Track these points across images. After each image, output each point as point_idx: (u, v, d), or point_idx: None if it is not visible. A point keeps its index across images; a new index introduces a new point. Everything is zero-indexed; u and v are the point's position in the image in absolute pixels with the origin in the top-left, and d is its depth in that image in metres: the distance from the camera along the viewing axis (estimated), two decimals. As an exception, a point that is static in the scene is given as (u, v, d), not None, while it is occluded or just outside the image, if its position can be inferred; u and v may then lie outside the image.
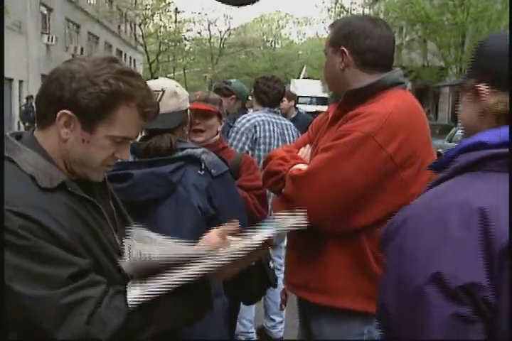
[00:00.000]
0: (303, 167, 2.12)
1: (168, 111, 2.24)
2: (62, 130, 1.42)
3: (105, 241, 1.48)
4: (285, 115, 6.04)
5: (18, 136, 1.50)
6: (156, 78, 2.62)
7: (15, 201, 1.31)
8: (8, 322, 1.31)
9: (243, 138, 3.96)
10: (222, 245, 1.45)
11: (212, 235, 1.56)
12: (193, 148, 2.30)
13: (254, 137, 3.97)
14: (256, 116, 4.09)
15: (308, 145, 2.35)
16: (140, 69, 49.02)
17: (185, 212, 2.21)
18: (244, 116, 4.16)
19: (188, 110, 2.40)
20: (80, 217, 1.42)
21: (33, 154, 1.43)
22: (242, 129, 3.98)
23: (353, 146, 1.97)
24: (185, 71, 50.56)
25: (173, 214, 2.20)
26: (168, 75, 47.86)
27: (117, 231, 1.58)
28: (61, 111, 1.40)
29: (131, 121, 1.45)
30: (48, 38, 26.83)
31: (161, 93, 2.27)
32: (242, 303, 3.21)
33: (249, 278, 2.87)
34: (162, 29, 44.33)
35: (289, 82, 30.60)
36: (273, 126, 4.07)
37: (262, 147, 3.99)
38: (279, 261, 4.35)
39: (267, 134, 4.01)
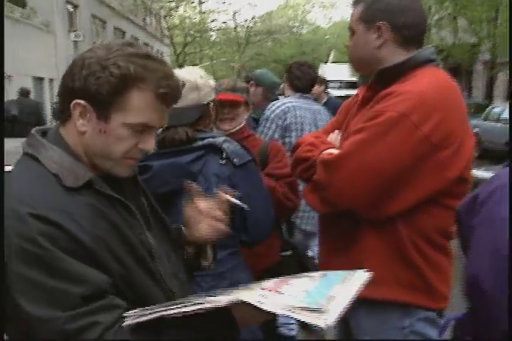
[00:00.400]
0: (334, 151, 2.05)
1: (186, 105, 2.19)
2: (79, 121, 1.36)
3: (135, 243, 1.40)
4: (316, 100, 5.94)
5: (44, 133, 1.44)
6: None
7: (36, 203, 1.26)
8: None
9: (273, 126, 3.88)
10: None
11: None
12: (214, 137, 2.24)
13: (284, 124, 3.88)
14: (287, 102, 4.00)
15: (337, 131, 2.28)
16: (167, 61, 48.70)
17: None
18: (274, 102, 4.07)
19: (212, 102, 2.33)
20: (107, 217, 1.35)
21: (58, 151, 1.37)
22: (272, 116, 3.89)
23: (386, 127, 1.90)
24: (213, 61, 50.46)
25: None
26: (195, 66, 47.81)
27: (151, 230, 1.50)
28: (74, 101, 1.33)
29: (146, 106, 1.35)
30: (75, 35, 27.04)
31: (181, 85, 2.18)
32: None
33: (287, 267, 2.92)
34: (187, 20, 44.28)
35: (318, 67, 30.33)
36: (304, 111, 3.98)
37: (293, 134, 3.88)
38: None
39: (299, 120, 3.92)
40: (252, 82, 4.59)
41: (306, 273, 1.42)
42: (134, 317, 1.19)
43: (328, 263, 2.19)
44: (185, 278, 1.62)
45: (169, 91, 1.37)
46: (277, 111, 3.92)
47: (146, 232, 1.47)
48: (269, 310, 1.11)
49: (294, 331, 4.26)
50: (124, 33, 36.90)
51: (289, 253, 3.00)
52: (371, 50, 2.09)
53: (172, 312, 1.16)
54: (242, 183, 2.21)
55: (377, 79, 2.05)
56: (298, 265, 2.98)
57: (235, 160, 2.19)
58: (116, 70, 1.31)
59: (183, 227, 1.69)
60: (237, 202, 1.51)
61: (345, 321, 2.20)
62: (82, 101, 1.33)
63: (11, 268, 1.21)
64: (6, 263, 1.21)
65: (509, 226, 1.23)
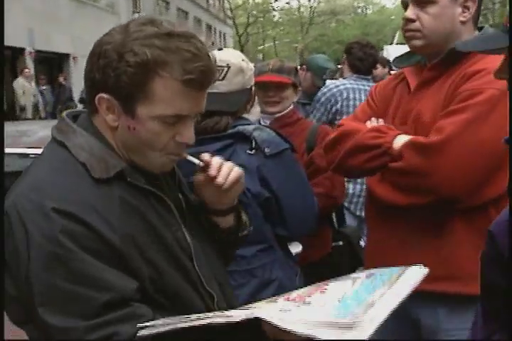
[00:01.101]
0: (407, 137, 1.91)
1: (233, 89, 2.07)
2: (108, 117, 1.24)
3: (171, 242, 1.28)
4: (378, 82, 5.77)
5: (76, 117, 1.32)
6: (243, 50, 2.43)
7: (61, 196, 1.15)
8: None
9: (321, 109, 3.81)
10: None
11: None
12: (245, 124, 2.09)
13: (334, 108, 3.78)
14: (340, 84, 3.89)
15: (375, 119, 2.11)
16: (230, 42, 49.25)
17: None
18: (328, 84, 3.97)
19: (253, 86, 2.19)
20: (140, 213, 1.23)
21: (90, 138, 1.25)
22: (323, 99, 3.82)
23: (491, 105, 1.79)
24: (276, 42, 50.20)
25: None
26: (258, 47, 47.83)
27: (188, 228, 1.37)
28: (98, 95, 1.21)
29: (172, 95, 1.20)
30: (138, 15, 27.29)
31: (226, 69, 2.07)
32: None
33: (339, 258, 2.80)
34: (250, 0, 44.14)
35: (382, 49, 29.66)
36: (359, 94, 3.84)
37: (344, 116, 3.61)
38: None
39: (351, 103, 3.80)
40: (304, 66, 4.53)
41: (351, 275, 1.32)
42: (150, 328, 1.10)
43: (402, 260, 2.00)
44: (225, 280, 1.50)
45: (197, 75, 1.20)
46: (328, 94, 3.81)
47: (183, 229, 1.34)
48: (287, 328, 0.99)
49: None
50: (187, 13, 37.05)
51: (340, 243, 2.87)
52: (456, 25, 1.97)
53: (186, 325, 1.06)
54: (276, 174, 2.06)
55: (447, 57, 1.94)
56: (351, 255, 2.86)
57: (266, 149, 2.03)
58: (132, 58, 1.16)
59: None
60: (193, 159, 1.36)
61: (409, 322, 2.04)
62: (106, 95, 1.21)
63: (30, 269, 1.12)
64: (25, 263, 1.13)
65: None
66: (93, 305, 1.12)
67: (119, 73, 1.17)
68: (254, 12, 43.45)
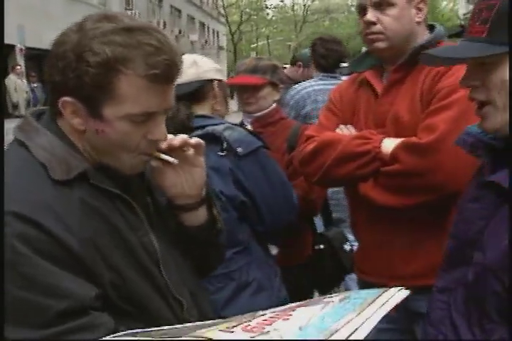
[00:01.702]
0: (395, 140, 1.93)
1: (187, 80, 2.05)
2: (74, 120, 1.19)
3: (136, 246, 1.23)
4: None
5: (40, 115, 1.27)
6: (236, 48, 2.39)
7: (17, 198, 1.10)
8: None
9: (292, 113, 3.63)
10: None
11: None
12: (215, 124, 2.05)
13: (304, 112, 3.62)
14: (308, 86, 3.73)
15: (342, 126, 2.14)
16: (223, 40, 49.24)
17: None
18: (295, 86, 3.78)
19: (217, 83, 2.17)
20: (102, 216, 1.18)
21: (52, 138, 1.20)
22: (292, 102, 3.67)
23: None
24: (269, 40, 50.25)
25: None
26: (251, 45, 47.85)
27: (155, 232, 1.32)
28: (61, 99, 1.16)
29: (138, 92, 1.15)
30: (131, 13, 27.19)
31: None
32: (317, 292, 2.97)
33: (319, 259, 2.76)
34: (243, -2, 44.17)
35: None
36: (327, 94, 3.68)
37: (314, 121, 3.52)
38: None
39: (320, 106, 3.55)
40: (299, 63, 4.43)
41: (325, 298, 1.25)
42: None
43: (409, 262, 2.04)
44: (197, 287, 1.45)
45: (162, 69, 1.15)
46: (297, 96, 3.64)
47: (150, 234, 1.29)
48: None
49: None
50: (180, 11, 37.01)
51: (322, 246, 2.83)
52: (414, 25, 2.04)
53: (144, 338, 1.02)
54: (250, 174, 2.04)
55: (411, 58, 1.98)
56: (333, 259, 2.81)
57: (238, 149, 2.00)
58: (92, 58, 1.11)
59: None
60: (167, 157, 1.29)
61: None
62: (69, 99, 1.15)
63: None
64: None
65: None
66: (48, 314, 1.05)
67: (80, 74, 1.12)
68: (248, 10, 43.50)
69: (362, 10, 2.07)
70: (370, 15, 2.01)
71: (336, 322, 1.03)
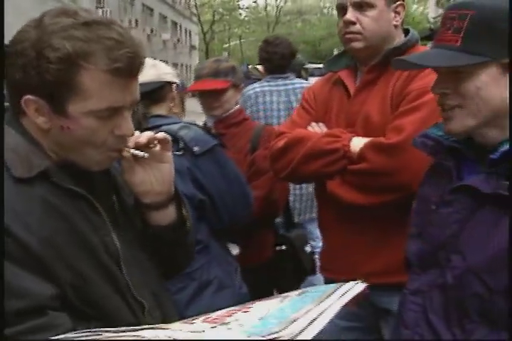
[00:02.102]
0: (364, 140, 1.96)
1: (146, 80, 2.03)
2: (38, 119, 1.16)
3: (97, 246, 1.22)
4: None
5: (1, 113, 1.27)
6: (208, 48, 2.40)
7: None
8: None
9: None
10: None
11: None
12: (171, 123, 2.06)
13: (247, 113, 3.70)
14: (251, 88, 3.82)
15: (314, 124, 2.17)
16: (196, 39, 49.18)
17: None
18: (247, 89, 3.84)
19: (175, 86, 2.21)
20: (63, 215, 1.17)
21: (15, 136, 1.19)
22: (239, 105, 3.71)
23: None
24: (241, 40, 50.36)
25: None
26: (223, 45, 47.87)
27: (119, 232, 1.30)
28: (24, 98, 1.14)
29: (101, 87, 1.13)
30: (103, 11, 26.99)
31: None
32: (277, 293, 2.97)
33: (280, 260, 2.80)
34: (217, -2, 44.22)
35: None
36: (271, 96, 3.74)
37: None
38: (312, 243, 4.14)
39: (260, 107, 3.71)
40: None
41: (284, 294, 1.27)
42: None
43: (371, 260, 2.07)
44: (160, 288, 1.43)
45: (124, 62, 1.13)
46: (241, 100, 3.67)
47: (112, 234, 1.27)
48: None
49: None
50: (152, 10, 36.83)
51: (283, 247, 2.86)
52: (392, 28, 2.09)
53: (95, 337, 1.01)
54: (207, 172, 2.07)
55: (384, 59, 2.02)
56: (293, 261, 2.86)
57: (195, 148, 2.02)
58: (52, 54, 1.09)
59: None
60: (138, 152, 1.29)
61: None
62: (32, 97, 1.13)
63: None
64: None
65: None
66: (7, 313, 1.04)
67: (41, 71, 1.10)
68: (220, 10, 43.54)
69: (342, 9, 2.09)
70: (350, 15, 2.04)
71: (295, 312, 1.04)
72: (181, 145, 2.02)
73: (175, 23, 42.67)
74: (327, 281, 2.35)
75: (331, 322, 1.80)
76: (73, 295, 1.15)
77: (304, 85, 3.87)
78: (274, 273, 2.72)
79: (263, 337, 0.94)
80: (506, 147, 1.32)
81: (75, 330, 1.06)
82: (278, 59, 3.80)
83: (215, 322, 1.07)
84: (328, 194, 2.06)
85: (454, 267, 1.38)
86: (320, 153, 2.02)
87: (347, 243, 2.12)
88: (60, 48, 1.09)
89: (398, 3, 2.08)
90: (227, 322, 1.06)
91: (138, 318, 1.28)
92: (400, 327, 1.51)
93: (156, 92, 2.12)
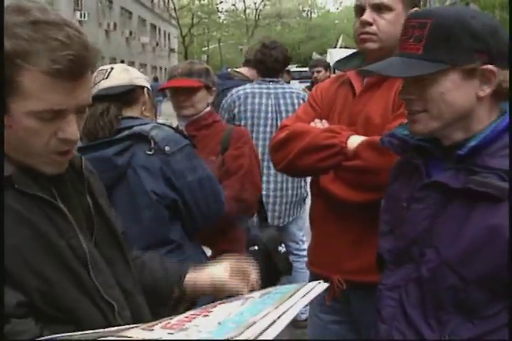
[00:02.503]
0: (361, 137, 2.00)
1: (118, 83, 2.14)
2: None
3: (64, 249, 1.22)
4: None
5: None
6: (187, 51, 2.44)
7: None
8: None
9: (226, 116, 3.81)
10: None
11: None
12: (142, 124, 2.11)
13: (232, 113, 3.82)
14: (240, 89, 3.88)
15: (317, 120, 2.21)
16: (175, 42, 49.16)
17: (139, 198, 2.08)
18: (232, 90, 3.95)
19: (147, 90, 2.26)
20: (29, 222, 1.17)
21: None
22: (225, 106, 3.85)
23: None
24: (220, 44, 50.45)
25: (127, 201, 2.07)
26: (202, 49, 47.87)
27: (89, 233, 1.31)
28: None
29: (42, 88, 1.11)
30: (81, 14, 26.87)
31: (109, 70, 2.19)
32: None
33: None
34: (195, 1, 44.21)
35: (326, 52, 30.33)
36: (260, 98, 3.82)
37: (242, 122, 3.77)
38: (294, 245, 4.26)
39: (249, 108, 3.79)
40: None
41: (247, 294, 1.34)
42: None
43: (350, 255, 2.11)
44: (133, 288, 1.44)
45: (65, 64, 1.10)
46: (229, 99, 3.82)
47: (79, 236, 1.27)
48: None
49: None
50: (130, 13, 36.75)
51: (256, 248, 2.89)
52: None
53: None
54: (178, 172, 2.11)
55: None
56: (266, 261, 2.84)
57: (166, 148, 2.07)
58: None
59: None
60: None
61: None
62: None
63: None
64: None
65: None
66: None
67: None
68: (199, 13, 43.55)
69: (360, 10, 2.13)
70: (368, 15, 2.07)
71: (254, 316, 1.06)
72: (152, 145, 2.06)
73: (154, 26, 42.62)
74: (313, 276, 2.38)
75: (315, 316, 1.86)
76: (40, 300, 1.16)
77: (294, 91, 4.00)
78: None
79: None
80: (473, 143, 1.37)
81: (41, 336, 1.09)
82: (272, 62, 3.88)
83: (174, 328, 1.08)
84: (320, 188, 2.11)
85: (428, 261, 1.42)
86: (317, 147, 2.06)
87: (334, 239, 2.16)
88: (5, 45, 1.08)
89: (415, 8, 2.08)
90: (186, 328, 1.07)
91: (108, 320, 1.29)
92: (377, 322, 1.55)
93: (128, 95, 2.17)
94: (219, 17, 48.72)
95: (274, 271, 2.78)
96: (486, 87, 1.38)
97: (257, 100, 3.81)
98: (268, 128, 3.81)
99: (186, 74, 2.71)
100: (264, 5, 52.91)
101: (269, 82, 3.90)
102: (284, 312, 1.09)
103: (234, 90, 3.89)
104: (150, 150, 2.07)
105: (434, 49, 1.38)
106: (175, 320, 1.15)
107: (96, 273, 1.29)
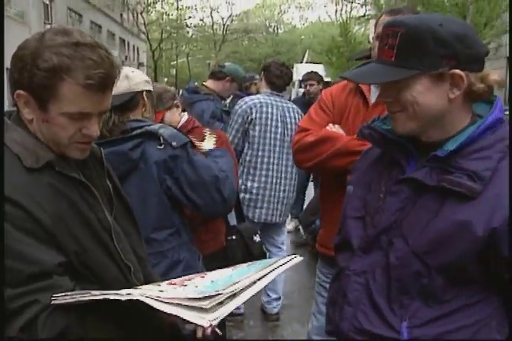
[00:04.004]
0: None
1: (119, 92, 2.28)
2: (24, 110, 1.39)
3: (94, 221, 1.44)
4: (314, 98, 6.18)
5: (10, 114, 1.47)
6: (156, 65, 2.54)
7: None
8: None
9: (239, 120, 4.15)
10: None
11: None
12: (150, 125, 2.32)
13: (249, 118, 4.14)
14: (255, 98, 4.25)
15: (331, 125, 2.44)
16: (144, 57, 48.77)
17: (148, 186, 2.25)
18: (244, 99, 4.30)
19: (145, 93, 2.41)
20: (67, 197, 1.38)
21: (22, 133, 1.40)
22: (239, 111, 4.17)
23: None
24: (189, 58, 50.34)
25: (138, 189, 2.24)
26: (171, 63, 47.81)
27: (111, 209, 1.55)
28: (16, 92, 1.36)
29: (76, 96, 1.34)
30: (51, 27, 26.69)
31: None
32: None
33: (232, 252, 3.09)
34: (164, 16, 44.13)
35: (292, 67, 30.52)
36: (272, 108, 4.21)
37: (257, 127, 4.15)
38: (279, 239, 4.55)
39: (263, 115, 4.16)
40: (228, 77, 4.74)
41: (236, 265, 1.47)
42: (59, 299, 1.25)
43: None
44: (144, 255, 1.70)
45: (97, 80, 1.34)
46: (244, 106, 4.17)
47: (104, 211, 1.49)
48: (150, 304, 1.13)
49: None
50: (100, 27, 36.37)
51: (234, 237, 3.16)
52: None
53: (86, 298, 1.21)
54: (179, 163, 2.28)
55: None
56: (242, 248, 3.14)
57: (173, 143, 2.26)
58: (42, 64, 1.30)
59: None
60: None
61: None
62: (22, 92, 1.35)
63: None
64: None
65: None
66: (19, 276, 1.24)
67: (32, 75, 1.31)
68: (168, 28, 43.46)
69: (376, 24, 2.28)
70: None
71: (241, 276, 1.25)
72: (162, 140, 2.26)
73: (123, 41, 42.18)
74: (322, 256, 2.69)
75: (323, 315, 1.88)
76: (76, 261, 1.35)
77: (294, 106, 4.39)
78: (226, 260, 2.95)
79: (206, 294, 1.12)
80: (451, 148, 1.45)
81: (73, 291, 1.27)
82: (287, 79, 4.35)
83: (176, 284, 1.26)
84: (333, 177, 2.35)
85: (396, 249, 1.50)
86: (350, 152, 2.26)
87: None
88: (48, 61, 1.30)
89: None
90: (186, 285, 1.25)
91: (127, 279, 1.51)
92: (344, 305, 1.61)
93: (129, 103, 2.35)
94: (187, 32, 48.60)
95: (249, 258, 2.88)
96: (456, 89, 1.43)
97: (269, 110, 4.20)
98: (273, 135, 4.19)
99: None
100: (232, 20, 52.78)
101: (276, 96, 4.31)
102: (264, 275, 1.27)
103: (248, 98, 4.26)
104: (161, 145, 2.26)
105: (405, 56, 1.41)
106: (178, 279, 1.32)
107: (118, 241, 1.50)
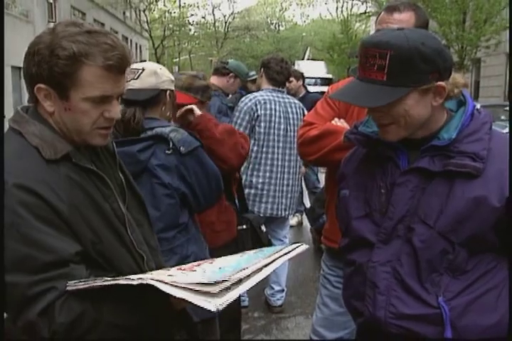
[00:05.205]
0: None
1: (145, 87, 2.34)
2: (45, 103, 1.42)
3: (108, 211, 1.47)
4: (294, 95, 6.25)
5: (27, 109, 1.50)
6: (159, 62, 2.68)
7: (19, 174, 1.31)
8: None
9: (246, 117, 4.19)
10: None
11: None
12: (163, 126, 2.35)
13: (255, 115, 4.20)
14: (258, 95, 4.30)
15: (337, 119, 2.49)
16: (146, 54, 48.85)
17: (158, 189, 2.30)
18: (247, 95, 4.35)
19: (169, 92, 2.44)
20: (83, 188, 1.41)
21: (40, 126, 1.42)
22: (245, 108, 4.21)
23: None
24: (191, 55, 50.38)
25: (148, 190, 2.26)
26: (173, 60, 47.85)
27: (125, 200, 1.58)
28: (36, 86, 1.40)
29: (97, 79, 1.39)
30: (59, 22, 26.73)
31: (140, 71, 2.36)
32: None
33: (243, 241, 3.18)
34: (167, 14, 44.14)
35: (294, 64, 30.62)
36: (275, 104, 4.27)
37: (262, 124, 4.22)
38: (282, 232, 4.66)
39: (268, 112, 4.22)
40: (232, 74, 4.89)
41: (245, 252, 1.49)
42: (72, 285, 1.27)
43: None
44: (155, 245, 1.72)
45: (115, 61, 1.39)
46: (249, 103, 4.22)
47: (118, 201, 1.51)
48: (160, 288, 1.15)
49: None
50: (103, 25, 36.42)
51: (245, 227, 3.21)
52: None
53: (98, 284, 1.24)
54: (191, 170, 2.33)
55: None
56: (253, 236, 3.22)
57: (181, 148, 2.28)
58: (62, 52, 1.34)
59: None
60: None
61: None
62: (42, 85, 1.38)
63: None
64: None
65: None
66: (37, 264, 1.26)
67: (52, 65, 1.35)
68: (171, 25, 43.48)
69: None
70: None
71: (249, 263, 1.27)
72: (171, 145, 2.29)
73: (126, 38, 42.06)
74: (328, 249, 2.73)
75: (327, 307, 2.26)
76: (92, 250, 1.38)
77: (296, 102, 4.46)
78: (237, 248, 2.91)
79: (214, 281, 1.14)
80: (453, 136, 1.57)
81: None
82: (287, 74, 4.40)
83: (185, 269, 1.28)
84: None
85: (419, 233, 1.58)
86: (351, 146, 2.20)
87: None
88: (67, 48, 1.34)
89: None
90: (195, 270, 1.27)
91: (141, 268, 1.53)
92: (376, 294, 1.65)
93: (152, 99, 2.38)
94: (190, 29, 48.62)
95: (258, 245, 2.98)
96: (439, 98, 1.57)
97: (273, 106, 4.26)
98: (276, 131, 4.26)
99: (186, 88, 2.90)
100: (234, 18, 52.80)
101: (278, 92, 4.35)
102: (270, 262, 1.29)
103: (251, 96, 4.29)
104: (169, 150, 2.28)
105: (396, 75, 1.50)
106: (187, 265, 1.34)
107: (131, 231, 1.53)
